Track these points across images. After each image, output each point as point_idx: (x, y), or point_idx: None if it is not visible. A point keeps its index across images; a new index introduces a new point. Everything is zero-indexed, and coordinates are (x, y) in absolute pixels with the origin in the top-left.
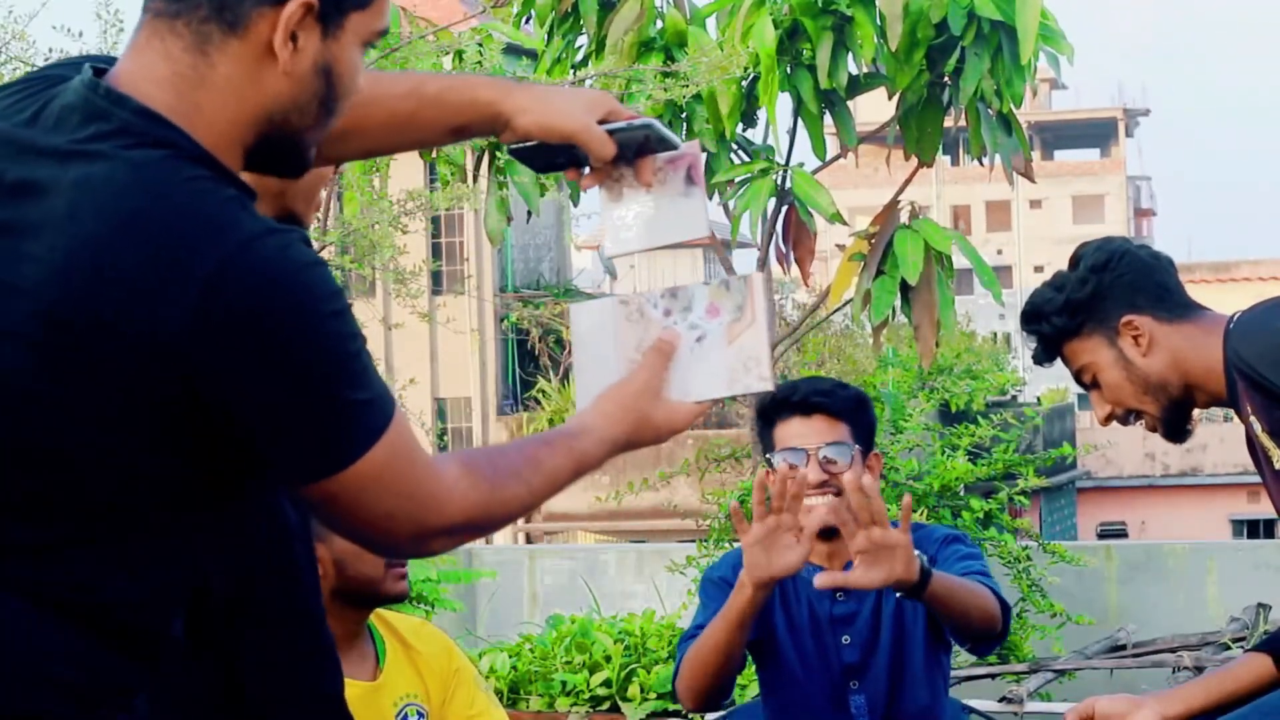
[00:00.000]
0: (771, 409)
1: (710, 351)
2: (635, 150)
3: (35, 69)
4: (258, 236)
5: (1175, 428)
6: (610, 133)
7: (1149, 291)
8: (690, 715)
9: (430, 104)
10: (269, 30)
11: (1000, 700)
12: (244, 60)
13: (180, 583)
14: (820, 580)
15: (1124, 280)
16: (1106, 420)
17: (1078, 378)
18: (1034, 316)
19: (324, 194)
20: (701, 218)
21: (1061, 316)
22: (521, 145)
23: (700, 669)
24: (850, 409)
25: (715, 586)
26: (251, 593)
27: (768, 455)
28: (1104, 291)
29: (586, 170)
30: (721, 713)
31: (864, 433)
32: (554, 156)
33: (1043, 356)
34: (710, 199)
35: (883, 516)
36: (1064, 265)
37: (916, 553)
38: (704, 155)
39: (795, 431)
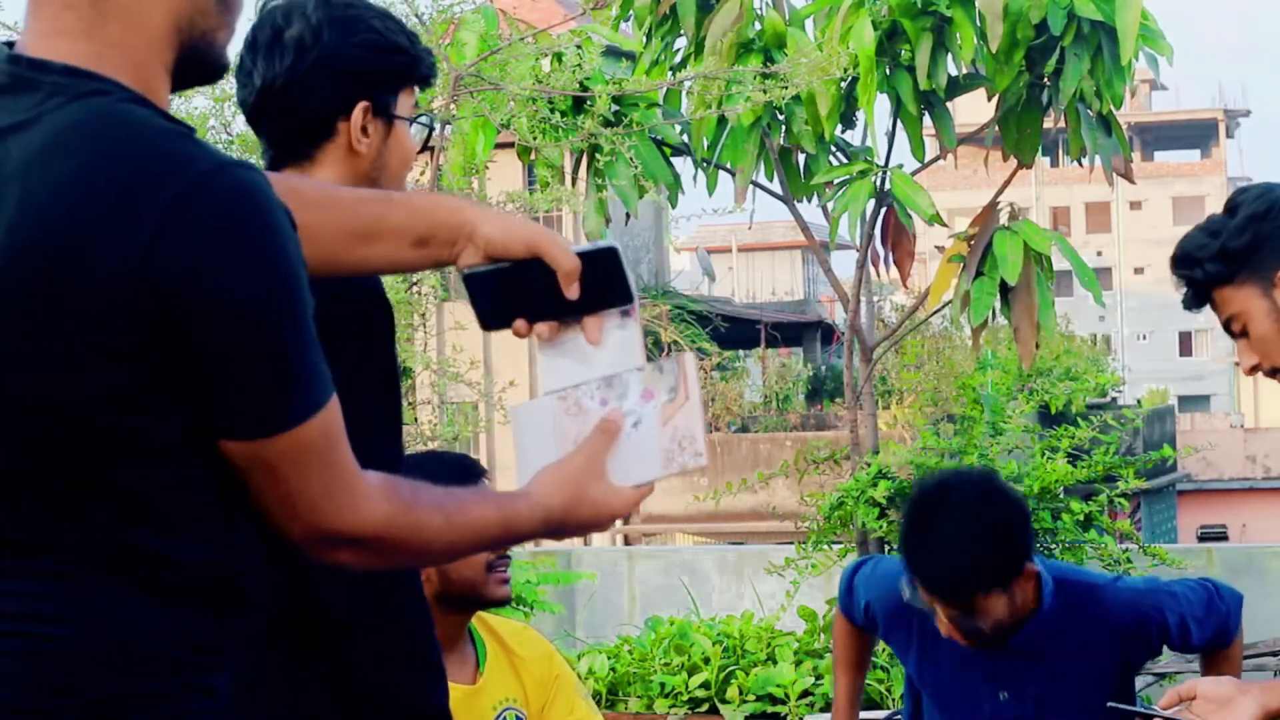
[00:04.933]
0: (907, 568)
1: (646, 435)
2: (586, 304)
3: None
4: (223, 166)
5: None
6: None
7: None
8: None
9: (398, 207)
10: None
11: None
12: None
13: (236, 547)
14: None
15: None
16: (1251, 371)
17: (1226, 326)
18: (1186, 261)
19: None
20: (638, 348)
21: (1216, 263)
22: (477, 270)
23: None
24: (984, 591)
25: (873, 598)
26: (361, 603)
27: (907, 581)
28: (1262, 241)
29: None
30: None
31: (1009, 578)
32: (508, 287)
33: (1192, 303)
34: (809, 200)
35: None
36: (1164, 266)
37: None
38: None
39: (927, 593)
